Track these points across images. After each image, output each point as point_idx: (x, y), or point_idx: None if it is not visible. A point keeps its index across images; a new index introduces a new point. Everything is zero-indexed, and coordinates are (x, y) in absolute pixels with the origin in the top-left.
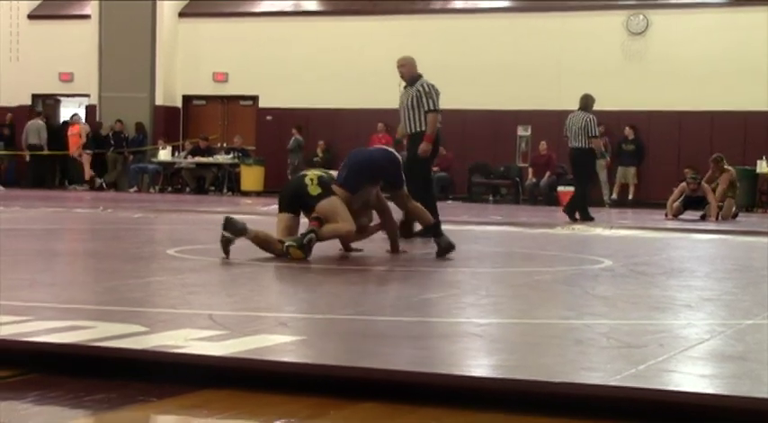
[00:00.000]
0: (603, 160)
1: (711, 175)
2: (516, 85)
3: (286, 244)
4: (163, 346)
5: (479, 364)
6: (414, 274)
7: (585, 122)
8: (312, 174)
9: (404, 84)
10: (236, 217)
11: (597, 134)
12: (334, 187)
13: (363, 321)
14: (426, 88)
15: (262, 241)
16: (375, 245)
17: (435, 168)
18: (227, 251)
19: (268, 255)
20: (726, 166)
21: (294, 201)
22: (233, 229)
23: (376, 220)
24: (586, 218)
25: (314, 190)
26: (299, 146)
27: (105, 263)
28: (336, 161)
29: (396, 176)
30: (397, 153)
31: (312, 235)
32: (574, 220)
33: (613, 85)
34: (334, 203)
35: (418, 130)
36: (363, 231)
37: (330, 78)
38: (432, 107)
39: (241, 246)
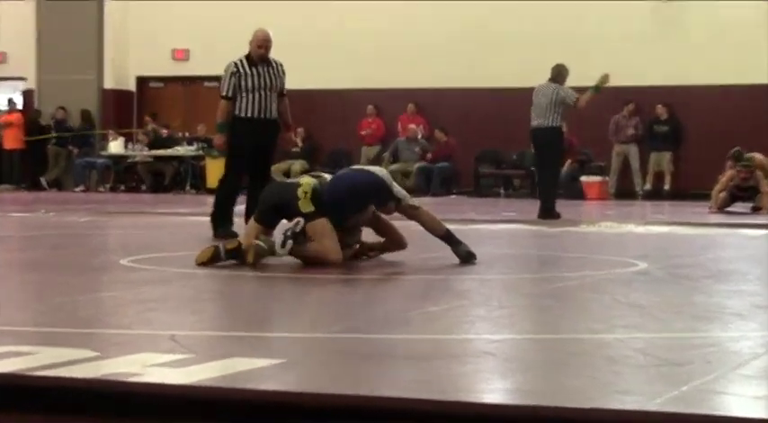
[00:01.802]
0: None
1: (736, 175)
2: (530, 57)
3: (255, 242)
4: (117, 373)
5: (493, 389)
6: (413, 282)
7: (557, 94)
8: (306, 184)
9: None
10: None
11: (574, 98)
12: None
13: (354, 340)
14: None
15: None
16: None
17: (429, 156)
18: (208, 262)
19: (237, 263)
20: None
21: (277, 212)
22: (235, 257)
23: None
24: (551, 214)
25: (305, 206)
26: None
27: (47, 276)
28: (319, 152)
29: (382, 198)
30: (379, 172)
31: (290, 239)
32: (549, 217)
33: (643, 57)
34: (324, 229)
35: None
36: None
37: (310, 53)
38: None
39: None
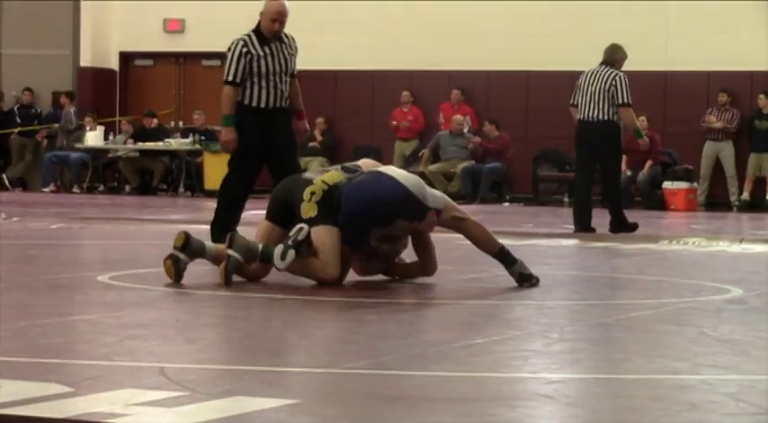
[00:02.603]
0: (641, 140)
1: None
2: (604, 36)
3: (229, 251)
4: (93, 413)
5: None
6: (454, 308)
7: (612, 82)
8: (319, 185)
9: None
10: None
11: (629, 101)
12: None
13: (381, 378)
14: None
15: (221, 257)
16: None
17: (478, 153)
18: (178, 275)
19: (237, 279)
20: None
21: (282, 209)
22: (189, 249)
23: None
24: (626, 226)
25: (307, 210)
26: None
27: (10, 295)
28: (340, 149)
29: (412, 212)
30: (405, 180)
31: (292, 249)
32: (620, 229)
33: (738, 37)
34: (324, 238)
35: None
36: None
37: (332, 27)
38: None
39: (201, 269)
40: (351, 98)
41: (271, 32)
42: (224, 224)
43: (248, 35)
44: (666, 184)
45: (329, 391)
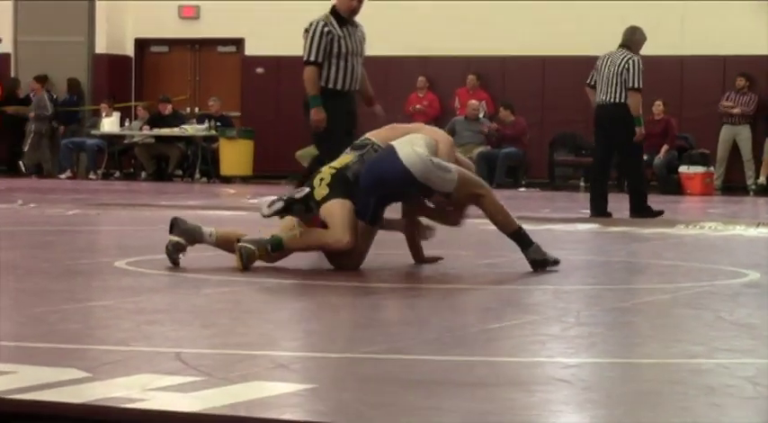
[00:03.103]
0: (637, 128)
1: None
2: (617, 20)
3: (239, 244)
4: (111, 398)
5: None
6: (471, 293)
7: (625, 66)
8: (326, 170)
9: None
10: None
11: (639, 85)
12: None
13: (397, 362)
14: None
15: (231, 243)
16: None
17: (494, 137)
18: (175, 260)
19: (254, 265)
20: None
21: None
22: (184, 232)
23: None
24: (648, 211)
25: (320, 192)
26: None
27: (28, 281)
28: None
29: (418, 189)
30: (409, 160)
31: (269, 244)
32: (641, 214)
33: (754, 21)
34: (334, 208)
35: None
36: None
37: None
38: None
39: (215, 255)
40: None
41: (348, 10)
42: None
43: (327, 16)
44: (683, 169)
45: (345, 375)
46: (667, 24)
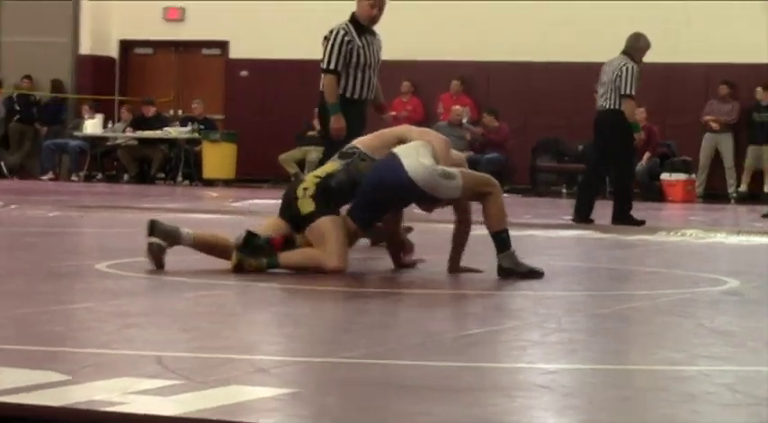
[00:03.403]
0: (636, 134)
1: None
2: (605, 26)
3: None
4: (91, 401)
5: None
6: (453, 298)
7: (618, 73)
8: (310, 179)
9: None
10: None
11: (632, 92)
12: (346, 218)
13: (379, 367)
14: None
15: (209, 246)
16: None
17: (477, 143)
18: (160, 262)
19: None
20: None
21: (286, 208)
22: (163, 234)
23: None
24: (629, 219)
25: (305, 206)
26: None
27: (9, 283)
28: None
29: (421, 198)
30: (412, 168)
31: (265, 263)
32: (622, 223)
33: (742, 29)
34: (328, 228)
35: None
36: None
37: (332, 18)
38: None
39: (193, 257)
40: None
41: (368, 18)
42: None
43: (347, 24)
44: (665, 176)
45: (328, 380)
46: (651, 32)
